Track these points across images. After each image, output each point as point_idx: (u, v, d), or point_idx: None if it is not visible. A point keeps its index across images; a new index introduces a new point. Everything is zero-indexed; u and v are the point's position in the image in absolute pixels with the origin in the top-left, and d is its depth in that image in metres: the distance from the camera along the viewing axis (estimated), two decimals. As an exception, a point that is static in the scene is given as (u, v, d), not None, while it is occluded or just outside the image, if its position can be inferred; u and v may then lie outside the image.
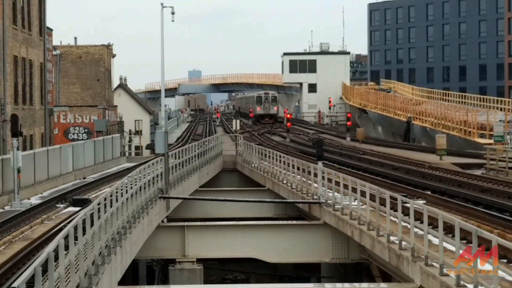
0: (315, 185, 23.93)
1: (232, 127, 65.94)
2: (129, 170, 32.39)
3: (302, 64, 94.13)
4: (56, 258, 9.74)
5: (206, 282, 24.18)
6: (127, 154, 54.69)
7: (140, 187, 20.18)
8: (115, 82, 74.24)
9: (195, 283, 22.26)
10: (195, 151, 32.93)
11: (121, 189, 17.10)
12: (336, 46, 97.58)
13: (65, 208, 22.56)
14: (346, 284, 20.73)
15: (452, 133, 46.15)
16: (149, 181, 21.92)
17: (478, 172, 29.50)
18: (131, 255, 17.41)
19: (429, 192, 24.15)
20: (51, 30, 48.86)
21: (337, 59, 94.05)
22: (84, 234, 12.05)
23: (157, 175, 23.61)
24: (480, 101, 56.92)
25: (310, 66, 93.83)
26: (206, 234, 23.28)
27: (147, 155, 57.48)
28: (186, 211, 30.38)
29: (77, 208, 21.61)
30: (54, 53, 56.89)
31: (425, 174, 28.79)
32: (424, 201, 21.40)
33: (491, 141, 38.21)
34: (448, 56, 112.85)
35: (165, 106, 43.21)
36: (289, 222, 24.81)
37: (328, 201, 22.28)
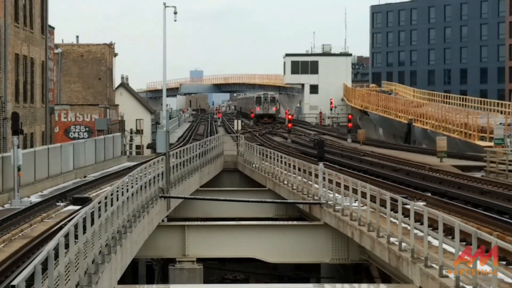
0: (316, 186, 23.92)
1: (233, 127, 65.95)
2: (130, 169, 32.39)
3: (304, 65, 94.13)
4: (56, 257, 9.73)
5: (206, 281, 24.17)
6: (128, 153, 54.70)
7: (141, 186, 20.18)
8: (117, 81, 74.30)
9: (195, 282, 22.25)
10: (196, 151, 32.93)
11: (122, 188, 17.10)
12: (338, 48, 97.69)
13: (65, 206, 22.56)
14: (346, 285, 20.72)
15: (452, 135, 46.14)
16: (149, 180, 21.92)
17: (478, 175, 29.50)
18: (131, 254, 17.40)
19: (429, 194, 24.16)
20: (53, 28, 48.90)
21: (339, 61, 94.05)
22: (84, 232, 12.04)
23: (158, 175, 23.61)
24: (480, 104, 56.90)
25: (312, 67, 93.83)
26: (206, 234, 23.27)
27: (148, 154, 57.48)
28: (186, 210, 30.38)
29: (78, 207, 21.60)
30: (56, 51, 56.94)
31: (426, 176, 28.80)
32: (424, 203, 21.40)
33: (491, 143, 38.22)
34: (449, 59, 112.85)
35: (167, 105, 43.19)
36: (290, 222, 24.81)
37: (329, 202, 22.28)
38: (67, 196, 24.11)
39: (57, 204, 22.88)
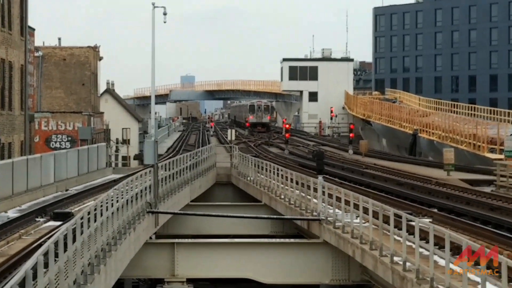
0: (315, 200, 23.93)
1: (226, 137, 65.97)
2: (115, 182, 32.30)
3: (302, 71, 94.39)
4: (35, 277, 9.68)
5: (196, 303, 24.07)
6: (113, 164, 54.62)
7: (127, 200, 20.14)
8: (102, 87, 74.32)
9: (184, 304, 22.15)
10: (186, 162, 32.92)
11: (106, 203, 17.06)
12: (339, 53, 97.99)
13: (45, 222, 22.49)
14: (346, 308, 20.67)
15: (460, 147, 46.25)
16: (136, 194, 21.88)
17: (487, 189, 29.54)
18: (116, 273, 17.34)
19: (435, 210, 24.18)
20: (33, 29, 48.89)
21: (339, 66, 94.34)
22: (65, 250, 12.00)
23: (146, 188, 23.57)
24: (490, 113, 57.08)
25: (311, 73, 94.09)
26: (197, 252, 23.21)
27: (135, 166, 57.38)
28: (176, 227, 30.32)
29: (58, 223, 21.53)
30: (36, 54, 56.92)
31: (432, 190, 28.83)
32: (430, 219, 21.40)
33: (502, 156, 38.28)
34: (457, 65, 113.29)
35: (155, 113, 43.17)
36: (287, 240, 24.77)
37: (329, 218, 22.27)
38: (47, 211, 24.03)
39: (37, 219, 22.79)
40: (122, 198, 19.57)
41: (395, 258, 16.01)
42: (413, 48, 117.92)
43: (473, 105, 63.26)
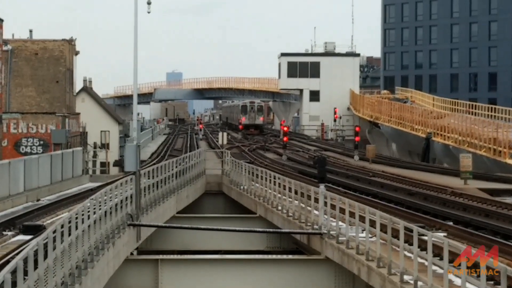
0: (316, 212, 23.96)
1: (217, 141, 66.04)
2: (92, 191, 32.28)
3: (302, 67, 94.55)
4: (1, 297, 9.69)
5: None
6: (90, 172, 54.60)
7: (106, 212, 20.15)
8: (78, 85, 74.27)
9: (169, 328, 22.16)
10: (172, 169, 32.94)
11: (82, 214, 17.06)
12: (343, 47, 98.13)
13: (13, 236, 22.49)
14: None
15: (479, 152, 46.35)
16: (116, 205, 21.89)
17: (509, 200, 29.61)
18: (92, 294, 17.34)
19: (451, 223, 24.23)
20: (2, 20, 48.91)
21: (344, 62, 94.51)
22: (36, 268, 12.00)
23: (126, 198, 23.58)
24: (513, 114, 57.21)
25: (312, 70, 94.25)
26: (184, 269, 23.21)
27: (114, 173, 57.33)
28: (160, 241, 30.32)
29: (29, 237, 21.53)
30: (5, 48, 56.89)
31: (447, 201, 28.89)
32: (445, 234, 21.46)
33: (526, 162, 38.37)
34: (475, 61, 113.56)
35: (138, 114, 43.14)
36: (284, 256, 24.78)
37: (331, 232, 22.31)
38: (16, 224, 24.02)
39: (4, 233, 22.79)
40: (100, 209, 19.57)
41: (405, 277, 16.04)
42: (426, 41, 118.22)
43: (493, 106, 63.39)
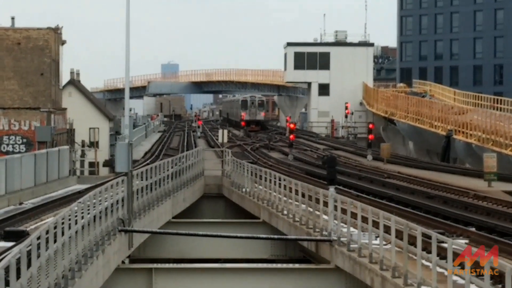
0: (325, 217, 23.99)
1: (217, 139, 66.09)
2: (80, 194, 32.33)
3: (311, 58, 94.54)
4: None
5: None
6: (78, 172, 54.71)
7: (94, 216, 20.19)
8: (65, 78, 74.40)
9: None
10: (168, 170, 32.99)
11: (69, 219, 17.10)
12: (356, 36, 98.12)
13: (-6, 242, 22.53)
14: None
15: (505, 152, 46.34)
16: (106, 209, 21.94)
17: (538, 204, 29.60)
18: (80, 306, 17.39)
19: (473, 229, 24.25)
20: (-18, 8, 48.97)
21: (356, 53, 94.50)
22: (18, 277, 12.04)
23: (117, 201, 23.62)
24: (542, 110, 57.18)
25: (321, 61, 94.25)
26: (180, 279, 23.25)
27: (104, 174, 57.42)
28: (154, 249, 30.37)
29: (10, 243, 21.57)
30: (-15, 38, 57.03)
31: (469, 205, 28.91)
32: (467, 240, 21.47)
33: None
34: (501, 51, 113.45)
35: (130, 110, 43.13)
36: (290, 265, 24.81)
37: (342, 239, 22.34)
38: (-4, 229, 24.06)
39: (-16, 239, 22.83)
40: (89, 213, 19.61)
41: (423, 288, 16.07)
42: (447, 30, 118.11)
43: (520, 101, 63.31)
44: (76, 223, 17.83)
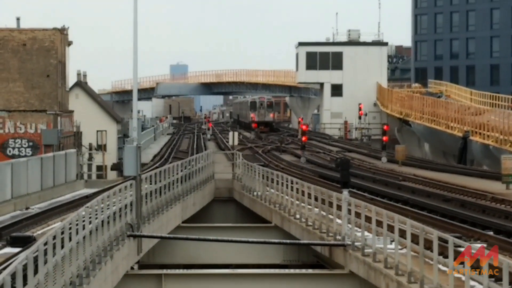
0: (339, 221, 23.97)
1: (227, 142, 66.14)
2: (87, 198, 32.38)
3: (323, 57, 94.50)
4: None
5: None
6: (85, 176, 54.80)
7: (102, 221, 20.22)
8: (71, 80, 74.62)
9: None
10: (177, 173, 33.01)
11: (77, 224, 17.13)
12: (369, 35, 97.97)
13: (0, 248, 22.59)
14: None
15: (524, 153, 46.17)
16: (114, 213, 21.97)
17: (558, 207, 29.48)
18: (88, 313, 17.42)
19: (491, 233, 24.19)
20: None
21: (370, 52, 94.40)
22: (25, 284, 12.06)
23: (126, 206, 23.65)
24: (562, 110, 56.94)
25: (334, 61, 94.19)
26: (190, 285, 23.27)
27: (112, 178, 57.51)
28: (164, 254, 30.40)
29: (17, 249, 21.63)
30: (-10, 39, 57.24)
31: (487, 208, 28.83)
32: (485, 244, 21.38)
33: None
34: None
35: (139, 112, 43.25)
36: (303, 270, 24.81)
37: (356, 243, 22.32)
38: (2, 235, 24.15)
39: (-10, 245, 22.91)
40: (97, 218, 19.64)
41: (440, 294, 16.03)
42: (463, 28, 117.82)
43: (539, 101, 63.14)
44: (83, 228, 17.86)
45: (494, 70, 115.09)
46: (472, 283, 14.64)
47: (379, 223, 20.96)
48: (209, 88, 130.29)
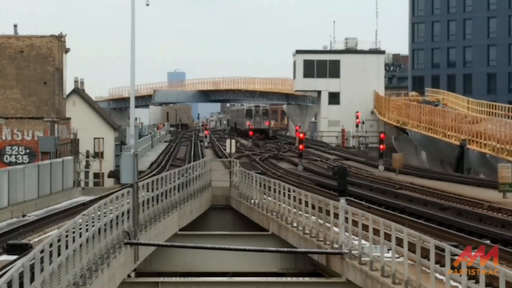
0: (336, 229, 23.96)
1: (225, 150, 66.17)
2: (84, 206, 32.37)
3: (320, 66, 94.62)
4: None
5: None
6: (82, 184, 54.74)
7: (99, 229, 20.20)
8: (69, 87, 74.59)
9: None
10: (174, 181, 33.00)
11: (73, 232, 17.11)
12: (366, 43, 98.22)
13: (-3, 256, 22.57)
14: None
15: (520, 161, 46.18)
16: (111, 221, 21.95)
17: (555, 215, 29.49)
18: (85, 321, 17.39)
19: (488, 241, 24.19)
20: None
21: (367, 60, 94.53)
22: (21, 292, 12.04)
23: (123, 214, 23.63)
24: (559, 119, 57.01)
25: (331, 69, 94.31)
26: (187, 293, 23.20)
27: (109, 185, 57.47)
28: (161, 262, 30.37)
29: (13, 257, 21.61)
30: (-13, 46, 57.23)
31: (483, 216, 28.85)
32: (482, 254, 21.38)
33: None
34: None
35: (136, 119, 43.30)
36: (300, 279, 24.79)
37: (353, 252, 22.31)
38: (-1, 242, 24.11)
39: (-14, 252, 22.87)
40: (93, 226, 19.63)
41: (437, 302, 16.02)
42: (460, 37, 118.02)
43: (536, 109, 63.21)
44: (80, 236, 17.84)
45: (491, 78, 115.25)
46: (469, 292, 14.64)
47: (376, 232, 20.96)
48: (207, 95, 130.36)
